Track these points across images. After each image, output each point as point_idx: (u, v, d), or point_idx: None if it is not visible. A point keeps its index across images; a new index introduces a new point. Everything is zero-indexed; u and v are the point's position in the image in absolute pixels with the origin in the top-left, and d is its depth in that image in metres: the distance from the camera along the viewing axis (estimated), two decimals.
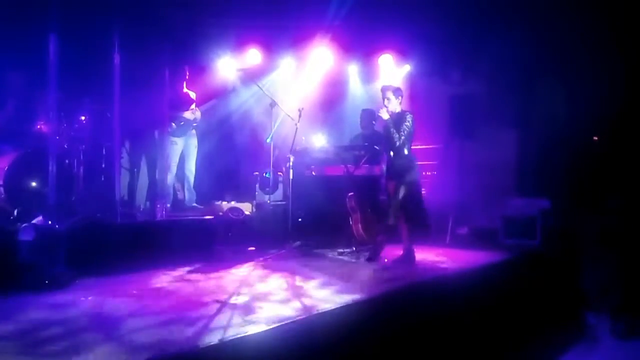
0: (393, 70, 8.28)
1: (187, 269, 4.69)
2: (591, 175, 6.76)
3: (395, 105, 5.11)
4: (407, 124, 5.02)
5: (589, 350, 5.09)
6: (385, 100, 5.11)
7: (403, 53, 8.04)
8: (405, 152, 5.07)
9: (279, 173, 6.92)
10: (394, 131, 5.00)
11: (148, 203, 6.38)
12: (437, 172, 7.44)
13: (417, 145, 7.58)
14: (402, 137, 4.99)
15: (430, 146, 7.54)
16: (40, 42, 5.16)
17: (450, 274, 4.82)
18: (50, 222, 4.08)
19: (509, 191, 7.06)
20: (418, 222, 5.24)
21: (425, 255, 5.57)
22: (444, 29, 7.16)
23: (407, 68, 8.28)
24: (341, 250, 5.67)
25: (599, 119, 6.77)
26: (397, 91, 5.15)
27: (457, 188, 7.04)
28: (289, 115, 6.16)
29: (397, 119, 5.05)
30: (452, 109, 7.38)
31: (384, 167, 5.51)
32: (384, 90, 5.17)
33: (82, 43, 5.59)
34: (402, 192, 4.96)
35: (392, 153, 5.09)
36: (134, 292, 3.86)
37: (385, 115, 5.05)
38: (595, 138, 7.22)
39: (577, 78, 6.87)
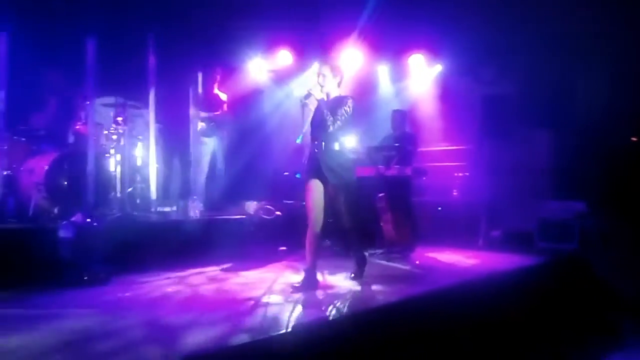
0: (424, 70, 8.21)
1: (220, 267, 4.76)
2: (629, 177, 6.56)
3: (332, 85, 4.17)
4: (346, 108, 4.06)
5: (627, 359, 4.94)
6: (320, 77, 4.14)
7: (434, 52, 7.96)
8: (337, 146, 4.09)
9: None
10: (328, 113, 4.00)
11: (181, 202, 6.50)
12: (469, 173, 7.33)
13: (448, 146, 7.57)
14: (338, 123, 4.02)
15: (462, 147, 7.44)
16: (79, 45, 5.33)
17: (483, 278, 4.75)
18: (88, 220, 4.19)
19: (543, 193, 6.90)
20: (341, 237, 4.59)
21: (457, 258, 5.51)
22: (477, 27, 7.06)
23: (438, 68, 8.19)
24: (372, 251, 5.66)
25: (637, 119, 6.56)
26: (335, 69, 4.21)
27: (489, 190, 6.92)
28: None
29: (334, 103, 4.12)
30: (484, 109, 7.27)
31: (405, 169, 5.28)
32: (320, 65, 4.30)
33: (119, 46, 5.75)
34: (320, 196, 4.11)
35: (322, 145, 4.09)
36: (169, 289, 3.95)
37: (317, 94, 4.07)
38: (634, 139, 7.00)
39: (614, 77, 6.67)
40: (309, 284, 3.98)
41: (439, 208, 6.84)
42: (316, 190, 4.08)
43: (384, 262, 5.27)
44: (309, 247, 4.08)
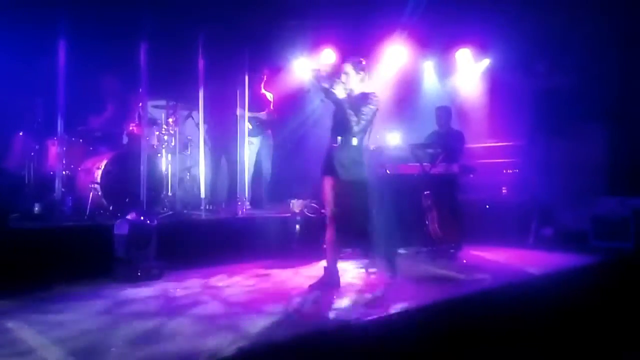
0: (471, 65, 8.04)
1: (266, 264, 4.85)
2: None
3: (355, 82, 4.03)
4: (372, 107, 3.93)
5: None
6: (343, 75, 4.01)
7: (482, 46, 7.77)
8: (355, 142, 3.95)
9: None
10: (352, 113, 3.86)
11: (228, 201, 6.66)
12: (519, 170, 7.12)
13: (498, 143, 7.37)
14: (363, 122, 3.89)
15: (512, 143, 7.24)
16: (132, 49, 5.56)
17: (534, 278, 4.61)
18: (142, 218, 4.37)
19: (598, 190, 6.61)
20: (357, 236, 4.30)
21: (507, 258, 5.37)
22: (527, 18, 6.83)
23: (486, 62, 7.99)
24: (418, 249, 5.60)
25: None
26: (358, 65, 4.05)
27: (541, 187, 6.70)
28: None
29: (358, 100, 3.97)
30: (535, 103, 7.04)
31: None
32: (344, 65, 4.12)
33: (170, 49, 5.96)
34: (333, 192, 3.96)
35: (339, 140, 3.97)
36: (219, 284, 4.08)
37: (340, 93, 3.91)
38: None
39: None
40: (329, 281, 3.92)
41: (487, 206, 6.68)
42: (331, 186, 4.00)
43: (429, 261, 5.20)
44: (327, 244, 4.01)
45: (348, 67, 4.02)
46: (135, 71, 5.62)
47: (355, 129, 3.87)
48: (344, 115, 3.88)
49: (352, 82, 4.01)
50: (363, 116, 3.89)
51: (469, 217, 5.76)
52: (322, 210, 6.19)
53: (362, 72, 4.05)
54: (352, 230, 4.08)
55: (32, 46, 5.69)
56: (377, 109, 3.98)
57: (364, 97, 3.98)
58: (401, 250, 5.68)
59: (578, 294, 4.43)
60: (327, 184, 4.02)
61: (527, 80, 7.45)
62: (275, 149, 6.98)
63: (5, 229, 4.13)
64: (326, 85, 3.88)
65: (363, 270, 4.64)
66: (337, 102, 3.91)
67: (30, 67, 5.81)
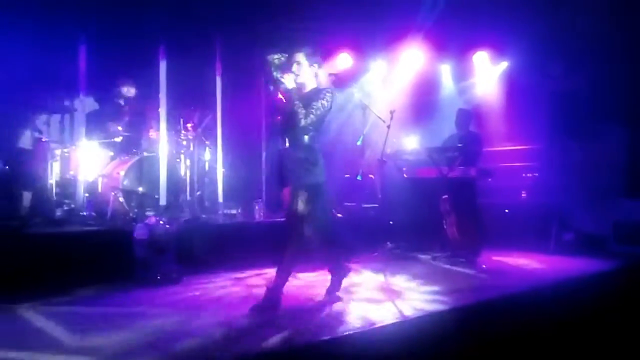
0: (488, 68, 7.98)
1: None
2: None
3: (308, 75, 3.67)
4: (324, 102, 3.54)
5: None
6: (295, 65, 3.61)
7: (500, 49, 7.72)
8: (306, 140, 3.54)
9: (370, 176, 6.94)
10: (299, 105, 3.48)
11: (246, 205, 6.70)
12: (538, 173, 7.04)
13: (516, 146, 7.29)
14: (311, 117, 3.48)
15: (530, 146, 7.16)
16: (151, 54, 5.65)
17: (555, 284, 4.55)
18: (161, 222, 4.42)
19: (619, 193, 6.50)
20: (323, 247, 3.78)
21: (526, 263, 5.31)
22: (544, 20, 6.77)
23: (504, 65, 7.93)
24: (436, 254, 5.57)
25: None
26: (312, 57, 3.70)
27: (561, 190, 6.61)
28: (380, 118, 6.15)
29: (310, 94, 3.62)
30: (554, 106, 6.96)
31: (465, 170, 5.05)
32: (296, 54, 3.68)
33: (188, 55, 6.02)
34: (300, 203, 3.47)
35: (287, 140, 3.59)
36: (237, 288, 4.10)
37: (289, 83, 3.52)
38: None
39: None
40: (270, 303, 3.40)
41: (506, 210, 6.61)
42: (291, 195, 3.55)
43: (448, 266, 5.17)
44: (284, 258, 3.52)
45: (300, 57, 3.65)
46: (153, 76, 5.70)
47: (303, 123, 3.46)
48: (291, 108, 3.51)
49: (304, 74, 3.65)
50: (313, 110, 3.49)
51: (488, 222, 5.71)
52: (338, 215, 6.22)
53: (316, 65, 3.71)
54: (311, 241, 3.67)
55: (54, 53, 5.80)
56: (330, 108, 3.60)
57: (317, 92, 3.62)
58: (420, 255, 5.67)
59: (600, 299, 4.35)
60: (287, 194, 3.57)
61: (545, 82, 7.37)
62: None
63: (28, 234, 4.22)
64: (275, 74, 3.51)
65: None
66: (285, 93, 3.53)
67: (52, 73, 5.93)
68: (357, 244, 5.79)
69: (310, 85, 3.69)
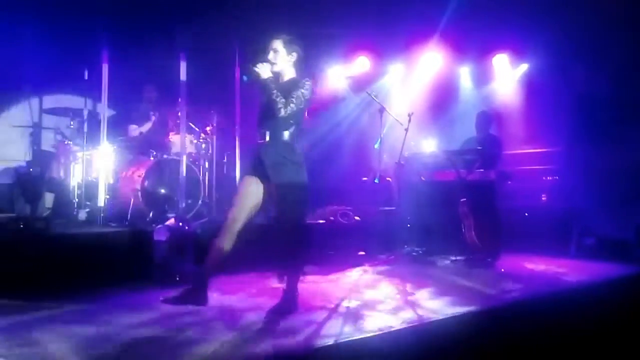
0: (508, 71, 7.91)
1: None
2: None
3: (286, 63, 3.47)
4: (304, 92, 3.35)
5: None
6: (271, 52, 3.44)
7: (520, 52, 7.65)
8: (286, 136, 3.39)
9: (387, 179, 6.92)
10: (278, 94, 3.30)
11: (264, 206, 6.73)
12: (559, 177, 6.94)
13: (536, 149, 7.21)
14: (292, 107, 3.30)
15: (551, 149, 7.07)
16: (172, 60, 5.73)
17: (574, 288, 4.48)
18: (181, 224, 4.47)
19: None
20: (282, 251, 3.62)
21: (546, 267, 5.23)
22: (565, 21, 6.68)
23: (524, 67, 7.85)
24: (454, 257, 5.53)
25: None
26: (290, 45, 3.47)
27: (581, 194, 6.51)
28: (397, 121, 6.14)
29: (289, 84, 3.43)
30: (575, 109, 6.86)
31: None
32: (273, 41, 3.49)
33: (207, 60, 6.10)
34: (292, 203, 3.41)
35: (267, 135, 3.40)
36: (253, 291, 4.12)
37: (265, 72, 3.36)
38: None
39: None
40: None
41: (526, 214, 6.53)
42: (247, 187, 3.48)
43: (466, 270, 5.12)
44: (210, 253, 3.44)
45: (277, 44, 3.46)
46: (174, 81, 5.78)
47: (282, 112, 3.28)
48: (269, 97, 3.31)
49: (281, 62, 3.45)
50: (293, 99, 3.31)
51: (507, 225, 5.64)
52: (356, 217, 6.21)
53: (294, 54, 3.49)
54: (279, 243, 3.55)
55: (76, 57, 5.93)
56: (309, 98, 3.40)
57: (295, 82, 3.42)
58: (438, 259, 5.62)
59: (620, 305, 4.27)
60: (246, 184, 3.50)
61: (566, 85, 7.28)
62: (309, 156, 7.00)
63: (51, 235, 4.31)
64: (252, 64, 3.37)
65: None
66: (262, 83, 3.35)
67: (74, 77, 6.06)
68: (374, 246, 5.80)
69: (288, 74, 3.50)
